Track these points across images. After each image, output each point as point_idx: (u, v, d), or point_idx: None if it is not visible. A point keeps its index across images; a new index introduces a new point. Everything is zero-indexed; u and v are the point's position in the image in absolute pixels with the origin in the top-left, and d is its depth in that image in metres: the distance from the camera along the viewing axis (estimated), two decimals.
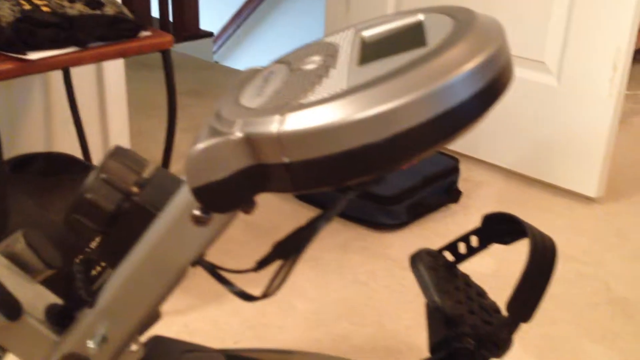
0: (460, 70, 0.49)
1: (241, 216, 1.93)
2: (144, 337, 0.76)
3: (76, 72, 1.60)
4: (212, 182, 0.52)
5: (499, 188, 2.00)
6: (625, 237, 1.76)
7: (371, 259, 1.63)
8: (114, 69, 1.67)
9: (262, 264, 0.58)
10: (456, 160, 1.89)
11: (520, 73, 1.93)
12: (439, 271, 0.89)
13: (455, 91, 0.49)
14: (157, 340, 0.73)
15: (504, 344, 0.81)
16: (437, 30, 0.54)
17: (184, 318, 1.38)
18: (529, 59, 1.91)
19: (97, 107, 1.68)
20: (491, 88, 0.51)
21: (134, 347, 0.65)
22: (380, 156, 0.49)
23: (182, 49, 3.27)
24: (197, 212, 0.55)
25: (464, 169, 1.99)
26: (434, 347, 0.83)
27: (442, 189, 1.85)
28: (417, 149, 0.50)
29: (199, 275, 1.63)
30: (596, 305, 1.50)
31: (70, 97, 1.56)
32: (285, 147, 0.49)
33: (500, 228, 0.90)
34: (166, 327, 1.37)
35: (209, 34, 3.31)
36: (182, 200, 0.56)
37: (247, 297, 0.57)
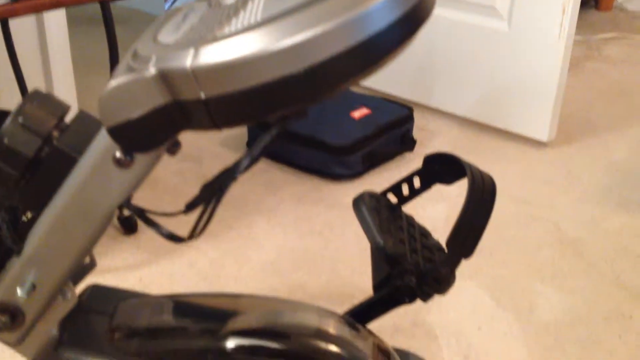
0: None
1: (195, 171, 1.91)
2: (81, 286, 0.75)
3: (15, 26, 1.55)
4: (128, 121, 0.51)
5: (454, 136, 2.01)
6: (577, 179, 1.79)
7: (327, 210, 1.63)
8: (56, 23, 1.62)
9: (190, 206, 0.57)
10: (410, 109, 1.89)
11: (471, 19, 1.94)
12: (381, 213, 0.89)
13: (372, 20, 0.48)
14: (95, 288, 0.72)
15: (445, 280, 0.82)
16: None
17: (139, 272, 1.38)
18: (480, 4, 1.90)
19: (40, 62, 1.63)
20: (410, 17, 0.50)
21: (66, 294, 0.65)
22: (298, 88, 0.48)
23: (134, 5, 3.19)
24: (118, 154, 0.54)
25: (419, 118, 1.99)
26: (377, 286, 0.84)
27: (397, 138, 1.85)
28: (337, 80, 0.49)
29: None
30: (547, 246, 1.53)
31: (10, 52, 1.51)
32: (201, 82, 0.48)
33: (441, 168, 0.91)
34: (120, 282, 1.36)
35: None
36: (103, 143, 0.55)
37: (175, 238, 0.57)
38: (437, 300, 1.34)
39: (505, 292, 1.38)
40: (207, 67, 0.48)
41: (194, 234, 0.56)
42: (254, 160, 0.55)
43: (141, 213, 0.58)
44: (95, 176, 0.56)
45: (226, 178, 0.56)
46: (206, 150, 1.88)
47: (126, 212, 1.47)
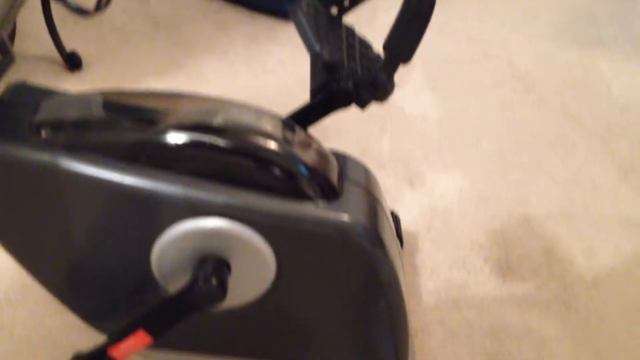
0: None
1: (142, 10, 1.82)
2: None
3: None
4: None
5: None
6: (533, 18, 1.77)
7: (280, 49, 1.60)
8: None
9: None
10: None
11: None
12: (320, 21, 0.87)
13: None
14: (21, 86, 0.70)
15: (382, 87, 0.82)
16: None
17: None
18: None
19: None
20: None
21: None
22: None
23: None
24: None
25: None
26: (314, 92, 0.83)
27: None
28: None
29: None
30: (499, 81, 1.53)
31: None
32: None
33: None
34: None
35: None
36: None
37: (82, 11, 0.55)
38: (386, 132, 1.35)
39: (454, 124, 1.39)
40: None
41: (99, 5, 0.53)
42: None
43: None
44: None
45: None
46: None
47: (70, 49, 1.42)
